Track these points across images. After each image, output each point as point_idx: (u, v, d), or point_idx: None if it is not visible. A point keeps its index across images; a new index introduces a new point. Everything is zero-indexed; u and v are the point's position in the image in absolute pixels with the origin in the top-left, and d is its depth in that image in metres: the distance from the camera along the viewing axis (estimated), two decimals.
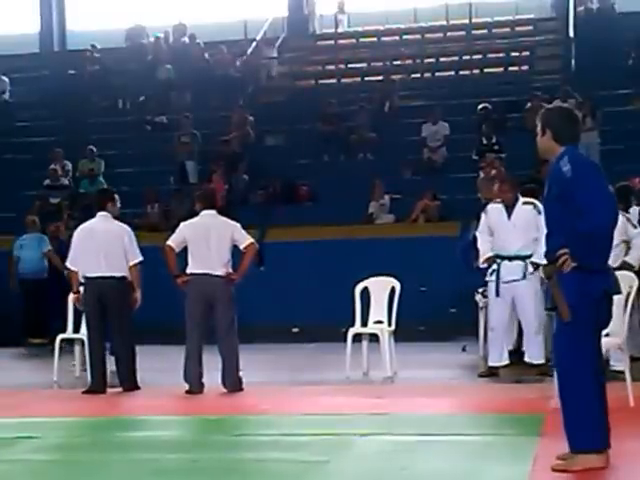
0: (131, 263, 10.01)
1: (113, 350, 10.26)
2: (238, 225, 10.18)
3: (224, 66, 22.32)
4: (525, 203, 10.13)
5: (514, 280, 9.99)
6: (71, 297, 10.45)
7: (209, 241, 9.86)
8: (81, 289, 10.23)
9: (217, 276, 9.77)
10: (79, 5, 25.60)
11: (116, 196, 10.43)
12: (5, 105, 22.63)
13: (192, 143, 19.22)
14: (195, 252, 9.87)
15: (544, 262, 6.05)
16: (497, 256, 10.11)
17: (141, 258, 10.12)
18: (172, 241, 10.05)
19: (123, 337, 9.99)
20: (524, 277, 9.94)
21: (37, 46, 25.18)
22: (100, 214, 10.18)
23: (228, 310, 9.83)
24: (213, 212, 10.16)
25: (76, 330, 11.28)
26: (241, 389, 9.68)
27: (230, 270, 9.93)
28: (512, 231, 10.10)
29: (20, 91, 22.86)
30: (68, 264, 10.24)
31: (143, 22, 24.41)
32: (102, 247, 9.94)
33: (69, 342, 11.57)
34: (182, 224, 10.31)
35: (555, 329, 5.85)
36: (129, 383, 9.90)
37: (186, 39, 23.55)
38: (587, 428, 5.63)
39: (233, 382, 9.66)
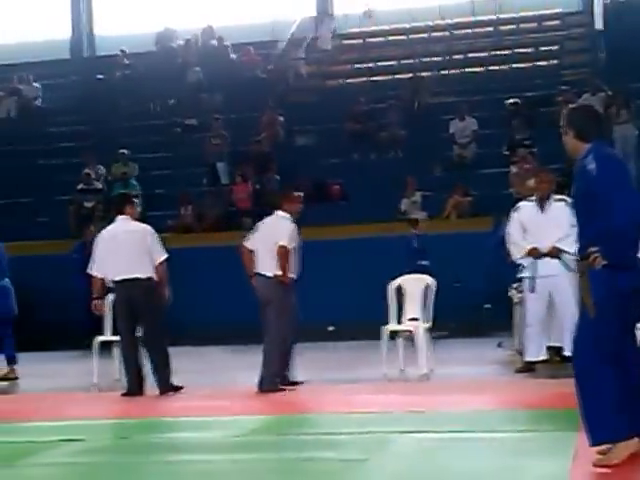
0: (157, 262, 10.00)
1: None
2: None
3: (253, 67, 22.42)
4: (557, 200, 10.12)
5: (551, 275, 9.98)
6: (94, 304, 10.35)
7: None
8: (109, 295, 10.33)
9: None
10: (108, 10, 25.74)
11: (135, 199, 10.44)
12: (37, 111, 22.83)
13: (223, 144, 19.33)
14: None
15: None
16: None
17: (166, 255, 10.08)
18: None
19: (154, 339, 9.98)
20: (563, 271, 9.91)
21: (67, 52, 25.36)
22: (120, 217, 10.22)
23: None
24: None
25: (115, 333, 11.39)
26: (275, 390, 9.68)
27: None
28: (546, 226, 10.09)
29: (52, 97, 23.05)
30: (92, 271, 10.23)
31: (172, 26, 24.51)
32: (126, 250, 9.94)
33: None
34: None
35: (578, 323, 5.86)
36: (163, 385, 9.93)
37: (215, 41, 23.64)
38: (604, 421, 5.64)
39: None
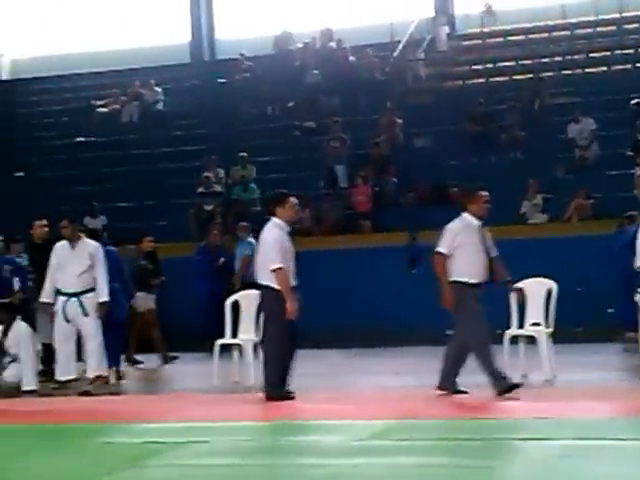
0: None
1: None
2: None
3: (371, 69, 22.38)
4: None
5: None
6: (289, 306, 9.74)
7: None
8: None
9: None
10: (228, 14, 26.03)
11: (292, 199, 10.04)
12: (158, 115, 23.20)
13: (341, 147, 19.34)
14: None
15: None
16: None
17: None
18: None
19: (266, 343, 9.97)
20: None
21: (188, 56, 25.73)
22: (272, 219, 10.00)
23: None
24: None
25: (234, 335, 11.50)
26: None
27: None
28: None
29: (173, 101, 23.41)
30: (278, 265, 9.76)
31: (290, 29, 24.65)
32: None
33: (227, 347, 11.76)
34: None
35: None
36: (264, 390, 9.86)
37: (333, 44, 23.68)
38: None
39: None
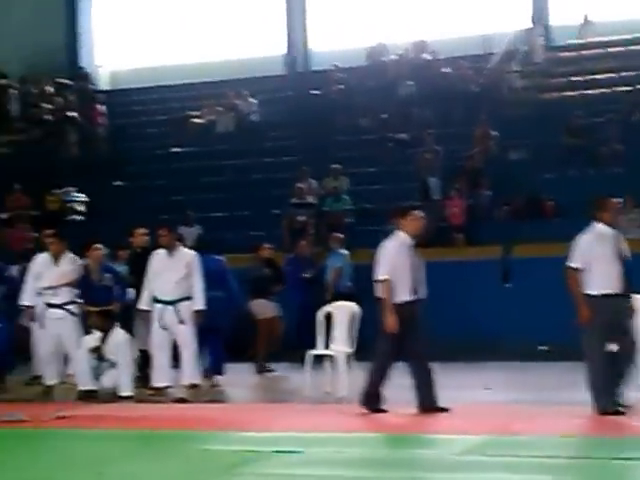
0: None
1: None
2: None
3: (465, 81, 22.24)
4: None
5: None
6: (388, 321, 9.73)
7: None
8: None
9: None
10: (322, 26, 26.14)
11: (416, 212, 10.10)
12: (252, 126, 23.36)
13: (434, 159, 19.25)
14: None
15: None
16: None
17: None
18: None
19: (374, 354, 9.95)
20: None
21: (283, 68, 25.90)
22: (395, 232, 10.03)
23: None
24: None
25: (326, 346, 11.52)
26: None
27: None
28: None
29: (267, 112, 23.55)
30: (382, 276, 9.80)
31: (384, 40, 24.64)
32: None
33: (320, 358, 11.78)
34: None
35: None
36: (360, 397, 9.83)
37: (427, 55, 23.62)
38: None
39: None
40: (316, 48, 26.19)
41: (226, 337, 13.06)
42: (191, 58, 26.63)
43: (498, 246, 16.71)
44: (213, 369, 12.83)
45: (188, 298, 11.56)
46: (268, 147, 22.09)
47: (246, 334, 14.43)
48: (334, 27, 25.98)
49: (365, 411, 9.59)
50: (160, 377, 11.64)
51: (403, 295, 9.76)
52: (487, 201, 18.10)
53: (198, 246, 13.12)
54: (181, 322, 11.50)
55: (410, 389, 9.67)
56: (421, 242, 17.68)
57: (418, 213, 10.11)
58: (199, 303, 11.56)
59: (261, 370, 14.15)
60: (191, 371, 11.59)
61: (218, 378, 12.82)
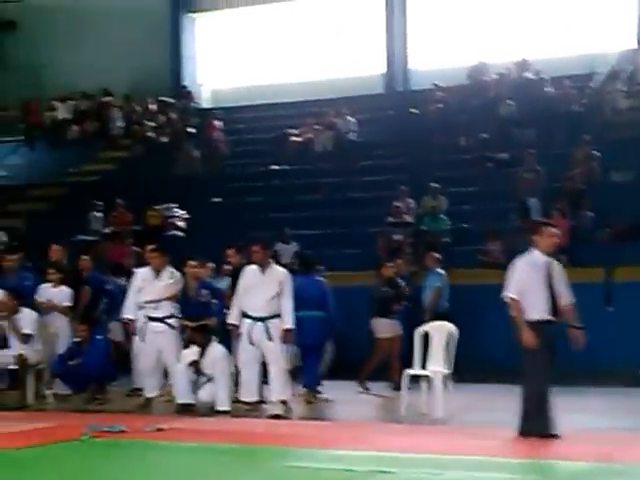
0: None
1: None
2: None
3: (568, 101, 21.96)
4: None
5: None
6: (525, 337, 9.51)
7: None
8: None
9: None
10: (423, 45, 26.12)
11: (550, 228, 9.79)
12: (351, 145, 23.42)
13: (535, 179, 19.03)
14: None
15: None
16: None
17: None
18: None
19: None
20: None
21: (382, 87, 25.94)
22: (529, 249, 9.81)
23: None
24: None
25: (423, 366, 11.46)
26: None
27: None
28: None
29: (365, 131, 23.59)
30: (509, 295, 9.67)
31: (485, 59, 24.50)
32: None
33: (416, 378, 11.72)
34: None
35: None
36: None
37: (529, 74, 23.40)
38: None
39: None
40: (416, 67, 26.17)
41: (322, 355, 13.14)
42: (291, 78, 26.88)
43: (600, 268, 16.42)
44: (311, 386, 12.90)
45: (278, 315, 11.59)
46: (366, 166, 22.11)
47: (352, 353, 14.42)
48: (434, 46, 25.93)
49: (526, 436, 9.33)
50: (247, 392, 11.71)
51: (537, 314, 9.58)
52: (589, 223, 17.81)
53: (300, 265, 13.22)
54: (270, 339, 11.54)
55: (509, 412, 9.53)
56: None
57: (553, 229, 9.89)
58: (288, 322, 11.56)
59: (364, 388, 14.07)
60: (280, 388, 11.61)
61: (316, 394, 12.88)
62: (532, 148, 19.84)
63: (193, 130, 24.62)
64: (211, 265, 13.66)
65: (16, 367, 12.87)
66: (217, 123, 24.87)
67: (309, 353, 12.72)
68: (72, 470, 8.24)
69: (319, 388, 13.24)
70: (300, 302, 12.25)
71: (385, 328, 14.22)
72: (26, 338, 13.05)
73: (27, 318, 13.16)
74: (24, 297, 13.41)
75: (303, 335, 12.38)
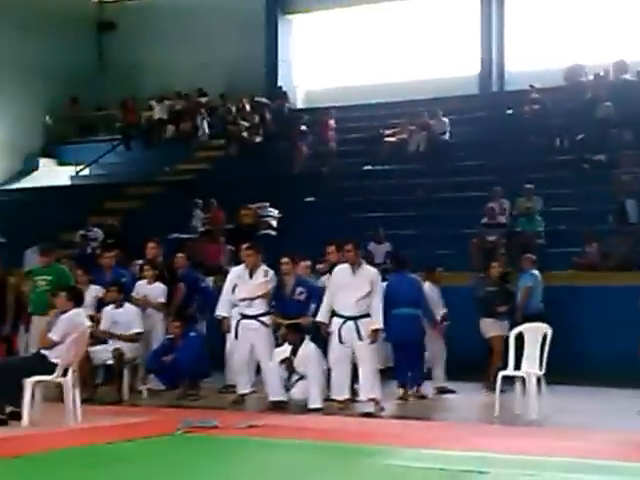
0: None
1: None
2: None
3: None
4: None
5: None
6: None
7: None
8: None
9: None
10: (519, 46, 25.86)
11: None
12: (445, 145, 23.32)
13: (633, 182, 18.70)
14: None
15: None
16: None
17: None
18: None
19: None
20: None
21: (476, 87, 25.76)
22: None
23: None
24: None
25: (517, 367, 11.35)
26: None
27: None
28: None
29: (459, 131, 23.47)
30: None
31: (581, 60, 24.17)
32: None
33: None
34: None
35: None
36: None
37: (627, 75, 23.01)
38: None
39: None
40: (511, 68, 25.93)
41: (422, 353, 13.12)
42: (385, 78, 26.86)
43: None
44: (413, 382, 12.93)
45: (368, 315, 11.60)
46: (460, 166, 21.99)
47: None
48: (530, 47, 25.66)
49: None
50: (338, 390, 11.74)
51: None
52: None
53: (394, 263, 13.21)
54: (360, 338, 11.56)
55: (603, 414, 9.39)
56: (615, 266, 17.38)
57: None
58: (377, 322, 11.57)
59: (489, 387, 13.86)
60: (369, 386, 11.61)
61: (417, 392, 13.00)
62: (630, 150, 19.50)
63: (304, 128, 24.59)
64: (307, 263, 13.64)
65: (113, 362, 13.07)
66: (331, 122, 24.81)
67: (408, 350, 12.72)
68: (166, 465, 8.35)
69: (420, 387, 13.21)
70: (397, 300, 12.35)
71: (492, 328, 14.11)
72: (137, 336, 13.28)
73: (133, 314, 13.36)
74: (123, 293, 13.65)
75: (401, 332, 12.47)
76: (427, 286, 13.90)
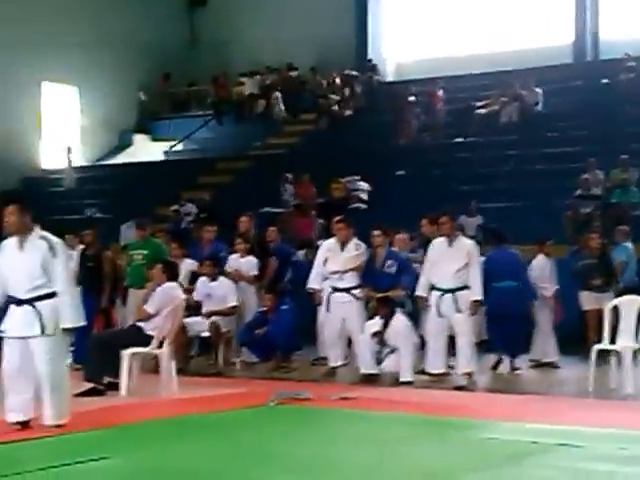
0: None
1: None
2: None
3: None
4: None
5: None
6: None
7: None
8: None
9: None
10: (614, 14, 25.35)
11: None
12: (538, 116, 23.01)
13: None
14: None
15: None
16: None
17: None
18: None
19: None
20: None
21: (570, 57, 25.36)
22: None
23: None
24: None
25: (612, 341, 11.20)
26: None
27: None
28: None
29: (553, 102, 23.12)
30: None
31: None
32: None
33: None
34: None
35: None
36: None
37: None
38: None
39: None
40: (606, 36, 25.44)
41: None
42: (476, 49, 26.60)
43: None
44: (510, 353, 12.84)
45: (466, 287, 11.56)
46: (553, 138, 21.66)
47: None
48: (625, 15, 25.14)
49: None
50: (433, 364, 11.74)
51: None
52: None
53: (493, 240, 13.16)
54: (458, 311, 11.53)
55: None
56: None
57: None
58: (477, 293, 11.54)
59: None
60: (466, 360, 11.59)
61: (515, 362, 12.93)
62: None
63: (413, 99, 24.39)
64: (404, 236, 13.60)
65: (208, 334, 13.24)
66: (439, 93, 24.58)
67: (507, 323, 12.63)
68: (260, 435, 8.45)
69: (515, 360, 13.10)
70: (497, 273, 12.38)
71: (587, 301, 13.89)
72: (232, 310, 13.42)
73: (228, 287, 13.50)
74: (220, 267, 13.80)
75: (503, 305, 12.42)
76: (540, 259, 13.75)
